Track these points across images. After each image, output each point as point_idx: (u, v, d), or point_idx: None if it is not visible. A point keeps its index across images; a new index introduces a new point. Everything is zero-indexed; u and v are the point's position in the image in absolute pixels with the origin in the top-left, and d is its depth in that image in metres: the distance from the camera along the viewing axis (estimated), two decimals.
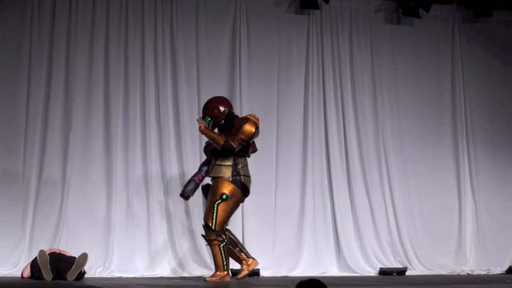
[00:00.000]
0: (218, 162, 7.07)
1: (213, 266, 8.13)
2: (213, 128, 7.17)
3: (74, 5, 8.33)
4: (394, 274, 8.62)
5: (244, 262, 7.19)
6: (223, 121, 7.14)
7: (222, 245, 6.98)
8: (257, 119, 7.15)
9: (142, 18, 8.53)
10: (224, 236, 7.01)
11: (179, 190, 8.26)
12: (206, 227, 6.99)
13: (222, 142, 6.97)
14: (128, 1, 8.51)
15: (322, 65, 9.10)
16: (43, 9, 8.26)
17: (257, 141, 8.05)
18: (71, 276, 6.99)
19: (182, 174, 8.35)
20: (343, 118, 9.09)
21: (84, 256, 7.10)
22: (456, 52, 9.64)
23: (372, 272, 8.71)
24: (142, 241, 8.16)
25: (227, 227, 7.23)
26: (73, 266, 7.02)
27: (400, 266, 8.86)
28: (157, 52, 8.52)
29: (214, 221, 6.94)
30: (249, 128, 7.01)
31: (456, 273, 9.00)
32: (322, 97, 9.07)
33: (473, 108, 9.61)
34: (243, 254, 7.21)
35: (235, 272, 7.88)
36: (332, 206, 8.88)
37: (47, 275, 6.91)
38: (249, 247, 7.64)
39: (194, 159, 8.27)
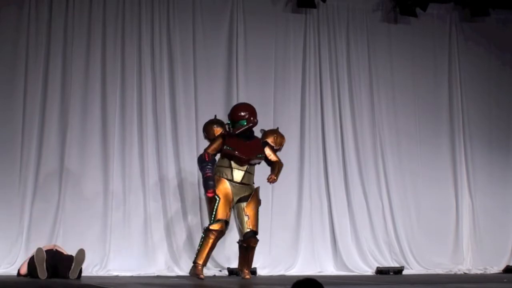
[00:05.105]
0: (249, 170, 7.28)
1: (210, 265, 8.19)
2: (242, 132, 7.23)
3: (71, 4, 8.34)
4: (391, 273, 8.61)
5: None
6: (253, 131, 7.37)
7: None
8: None
9: (139, 16, 8.53)
10: None
11: (176, 188, 8.31)
12: (255, 234, 7.19)
13: (281, 163, 7.36)
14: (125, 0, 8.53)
15: (319, 64, 9.10)
16: (40, 7, 8.26)
17: None
18: (73, 274, 6.99)
19: (178, 172, 8.36)
20: (340, 116, 9.09)
21: (81, 252, 7.09)
22: (453, 51, 9.64)
23: (369, 271, 8.71)
24: (139, 239, 8.16)
25: None
26: (73, 264, 7.01)
27: (397, 265, 8.86)
28: (154, 51, 8.52)
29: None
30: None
31: (453, 272, 9.00)
32: (319, 96, 9.07)
33: (470, 107, 9.62)
34: None
35: (232, 271, 7.93)
36: (329, 205, 8.88)
37: (42, 273, 6.90)
38: None
39: (191, 157, 8.27)
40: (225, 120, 7.36)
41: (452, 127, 9.52)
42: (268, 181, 7.28)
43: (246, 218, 7.16)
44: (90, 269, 7.77)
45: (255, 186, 7.33)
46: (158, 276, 7.88)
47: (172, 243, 8.23)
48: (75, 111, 8.22)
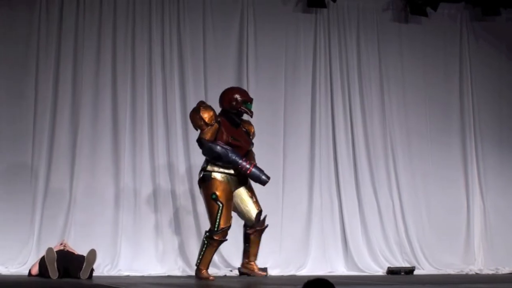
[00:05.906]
0: None
1: (221, 264, 8.19)
2: (239, 115, 7.23)
3: (82, 5, 8.36)
4: (402, 273, 8.57)
5: None
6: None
7: None
8: None
9: (149, 17, 8.55)
10: None
11: (186, 188, 8.31)
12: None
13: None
14: (136, 0, 8.54)
15: (329, 64, 9.09)
16: (51, 8, 8.30)
17: (264, 139, 7.99)
18: (84, 274, 7.00)
19: (189, 172, 8.36)
20: (351, 117, 9.07)
21: (92, 253, 7.10)
22: (464, 50, 9.60)
23: (380, 271, 8.68)
24: (150, 239, 8.17)
25: None
26: (84, 264, 7.03)
27: (408, 265, 8.82)
28: (164, 51, 8.54)
29: None
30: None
31: (464, 273, 8.95)
32: (329, 96, 9.06)
33: (481, 107, 9.58)
34: None
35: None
36: (339, 205, 8.86)
37: (53, 273, 6.92)
38: None
39: (202, 157, 8.22)
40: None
41: (463, 127, 9.49)
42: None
43: (253, 200, 7.15)
44: (101, 269, 7.79)
45: None
46: (169, 276, 7.88)
47: (183, 242, 8.23)
48: (86, 112, 8.25)
